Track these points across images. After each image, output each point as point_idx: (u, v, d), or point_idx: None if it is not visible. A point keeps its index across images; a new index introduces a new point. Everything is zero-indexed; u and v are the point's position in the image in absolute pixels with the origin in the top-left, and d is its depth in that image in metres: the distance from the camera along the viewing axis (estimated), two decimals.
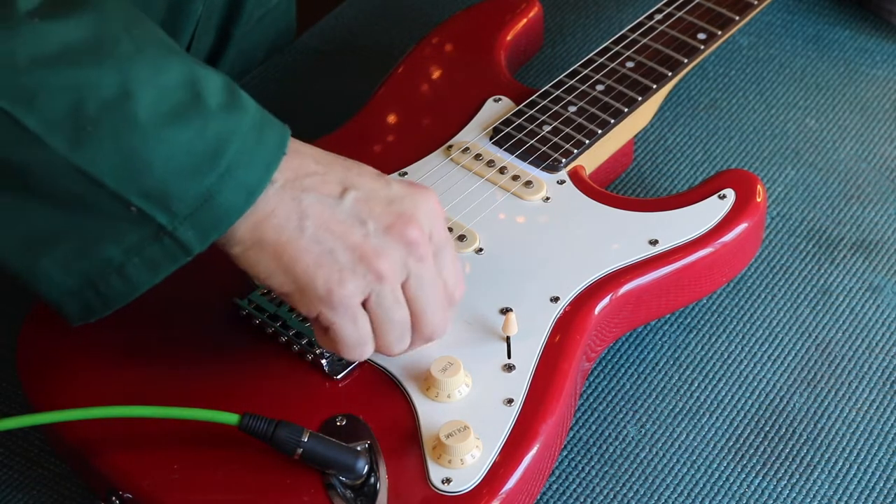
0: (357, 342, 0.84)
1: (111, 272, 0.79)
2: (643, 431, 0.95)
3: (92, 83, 0.76)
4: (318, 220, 0.81)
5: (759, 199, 0.98)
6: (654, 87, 1.05)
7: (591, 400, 0.97)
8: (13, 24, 0.75)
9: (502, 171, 1.00)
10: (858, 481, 0.92)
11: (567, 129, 1.02)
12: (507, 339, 0.89)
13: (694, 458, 0.93)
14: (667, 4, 1.12)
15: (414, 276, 0.83)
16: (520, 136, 1.02)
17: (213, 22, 1.13)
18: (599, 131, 1.02)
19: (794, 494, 0.91)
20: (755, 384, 0.98)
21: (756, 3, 1.12)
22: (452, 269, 0.86)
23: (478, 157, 1.02)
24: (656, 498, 0.91)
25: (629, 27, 1.11)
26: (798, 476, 0.92)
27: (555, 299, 0.92)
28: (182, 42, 1.08)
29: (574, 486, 0.92)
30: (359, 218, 0.82)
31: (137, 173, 0.76)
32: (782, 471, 0.92)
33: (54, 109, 0.75)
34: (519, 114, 1.04)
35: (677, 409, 0.96)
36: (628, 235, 0.96)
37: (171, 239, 0.78)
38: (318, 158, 0.83)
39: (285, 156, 0.81)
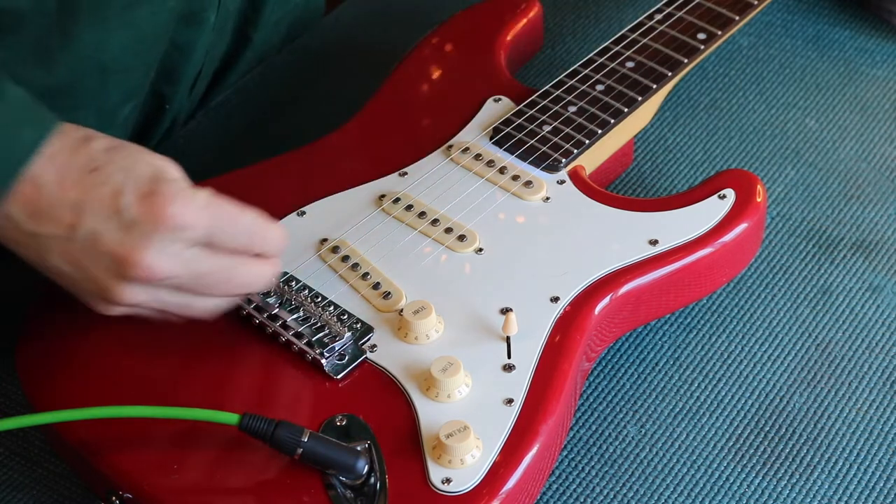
0: (165, 317, 0.86)
1: None
2: (643, 431, 0.95)
3: None
4: (56, 254, 0.82)
5: (759, 199, 0.98)
6: (654, 87, 1.05)
7: (591, 400, 0.97)
8: None
9: (502, 171, 1.00)
10: (858, 481, 0.92)
11: (567, 129, 1.02)
12: (507, 339, 0.89)
13: (694, 458, 0.93)
14: (667, 4, 1.12)
15: (159, 294, 0.84)
16: (520, 136, 1.02)
17: (230, 27, 1.13)
18: (599, 131, 1.02)
19: (794, 494, 0.91)
20: (755, 384, 0.98)
21: (756, 3, 1.12)
22: (236, 234, 0.85)
23: (478, 156, 1.02)
24: (656, 498, 0.91)
25: (629, 27, 1.11)
26: (798, 476, 0.92)
27: (555, 299, 0.92)
28: (196, 49, 1.08)
29: (574, 486, 0.92)
30: (94, 254, 0.82)
31: None
32: (782, 471, 0.93)
33: None
34: (519, 114, 1.04)
35: (677, 409, 0.96)
36: (628, 235, 0.96)
37: None
38: (68, 183, 0.82)
39: (43, 170, 0.81)
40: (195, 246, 0.83)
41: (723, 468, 0.93)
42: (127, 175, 0.82)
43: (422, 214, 0.97)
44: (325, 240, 0.96)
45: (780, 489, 0.91)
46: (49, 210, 0.81)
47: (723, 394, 0.97)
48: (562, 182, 1.00)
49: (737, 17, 1.11)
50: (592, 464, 0.93)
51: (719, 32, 1.10)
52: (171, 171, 0.83)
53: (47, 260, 0.83)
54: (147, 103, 1.09)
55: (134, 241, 0.81)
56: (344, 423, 0.86)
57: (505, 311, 0.91)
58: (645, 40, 1.09)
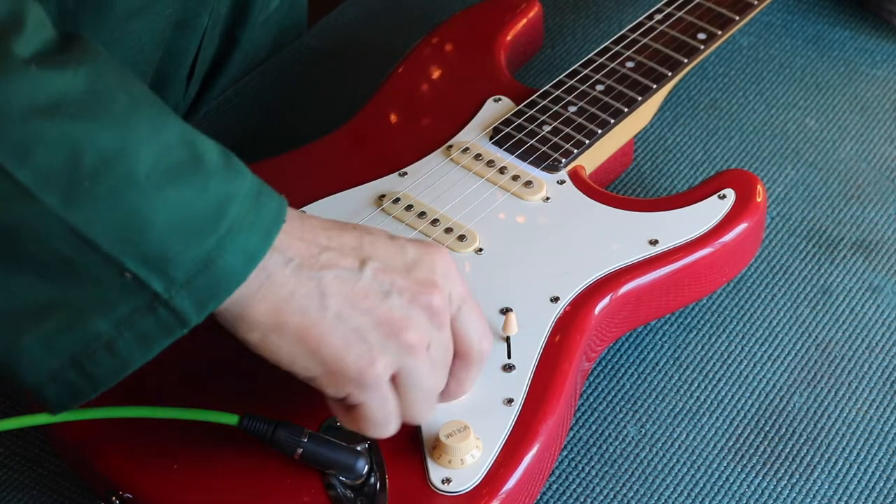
0: (384, 420, 0.81)
1: (99, 348, 0.74)
2: (643, 431, 0.95)
3: (90, 137, 0.71)
4: (340, 297, 0.78)
5: (759, 199, 0.98)
6: (654, 87, 1.05)
7: (591, 400, 0.97)
8: (8, 70, 0.71)
9: (502, 171, 1.00)
10: (858, 481, 0.92)
11: (567, 129, 1.02)
12: (507, 339, 0.89)
13: (694, 458, 0.93)
14: (667, 4, 1.12)
15: (435, 343, 0.81)
16: (520, 136, 1.02)
17: (218, 30, 1.13)
18: (599, 131, 1.02)
19: (794, 494, 0.91)
20: (755, 384, 0.98)
21: (756, 3, 1.12)
22: (477, 323, 0.83)
23: (478, 157, 1.02)
24: (656, 498, 0.91)
25: (629, 27, 1.11)
26: (798, 476, 0.92)
27: (555, 299, 0.92)
28: (188, 53, 1.09)
29: (574, 486, 0.92)
30: (382, 290, 0.79)
31: (135, 234, 0.72)
32: (782, 471, 0.93)
33: (49, 162, 0.70)
34: (519, 114, 1.04)
35: (677, 409, 0.96)
36: (628, 235, 0.96)
37: (166, 309, 0.73)
38: (326, 228, 0.80)
39: (295, 229, 0.78)
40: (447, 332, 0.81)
41: (723, 468, 0.93)
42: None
43: (422, 214, 0.97)
44: None
45: (780, 489, 0.91)
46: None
47: (723, 394, 0.97)
48: (562, 182, 1.00)
49: (737, 17, 1.11)
50: (592, 464, 0.93)
51: (719, 32, 1.10)
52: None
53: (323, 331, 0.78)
54: None
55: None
56: None
57: (505, 311, 0.91)
58: (645, 40, 1.09)
